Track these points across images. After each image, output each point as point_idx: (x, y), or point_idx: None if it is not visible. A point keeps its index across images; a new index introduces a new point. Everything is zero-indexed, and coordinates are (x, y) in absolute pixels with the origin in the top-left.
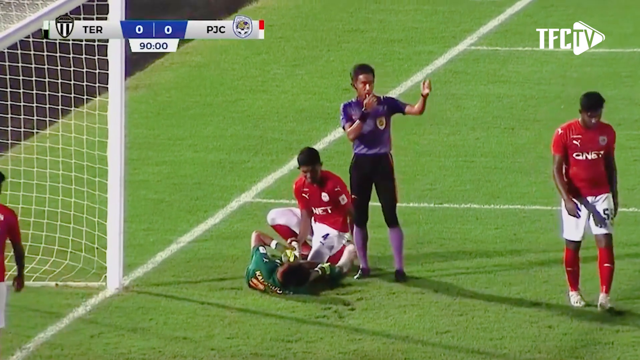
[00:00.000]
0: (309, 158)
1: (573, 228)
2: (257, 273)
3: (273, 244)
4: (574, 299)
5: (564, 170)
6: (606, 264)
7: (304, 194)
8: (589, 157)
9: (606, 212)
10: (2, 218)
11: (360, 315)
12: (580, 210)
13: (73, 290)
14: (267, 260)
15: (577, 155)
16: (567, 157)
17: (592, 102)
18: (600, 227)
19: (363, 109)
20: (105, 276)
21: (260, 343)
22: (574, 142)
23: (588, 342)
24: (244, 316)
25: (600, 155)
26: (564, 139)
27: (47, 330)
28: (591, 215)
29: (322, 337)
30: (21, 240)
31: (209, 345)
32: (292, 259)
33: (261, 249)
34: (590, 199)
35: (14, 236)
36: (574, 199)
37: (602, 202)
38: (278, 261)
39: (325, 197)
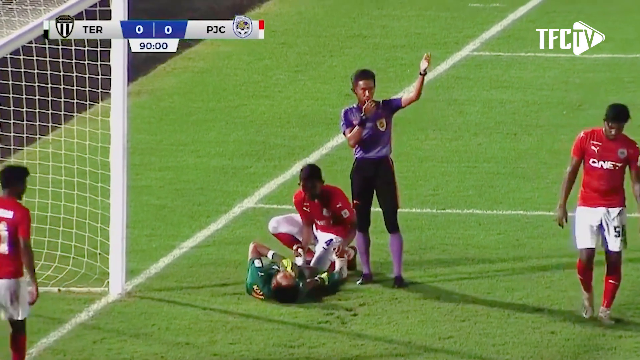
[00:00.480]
0: (309, 174)
1: (586, 236)
2: (255, 287)
3: (270, 254)
4: (584, 295)
5: (582, 178)
6: (611, 280)
7: (304, 208)
8: (605, 166)
9: (617, 229)
10: (11, 216)
11: (362, 321)
12: (566, 223)
13: (75, 295)
14: (262, 273)
15: (593, 162)
16: (584, 162)
17: (614, 114)
18: (610, 244)
19: (362, 115)
20: (108, 282)
21: (262, 349)
22: (592, 147)
23: (590, 347)
24: (247, 322)
25: (617, 167)
26: (584, 143)
27: (50, 335)
28: (603, 228)
29: (324, 343)
30: (27, 238)
31: (211, 350)
32: (289, 268)
33: (256, 262)
34: (602, 209)
35: (19, 230)
36: (566, 210)
37: (614, 219)
38: (275, 267)
39: (326, 212)
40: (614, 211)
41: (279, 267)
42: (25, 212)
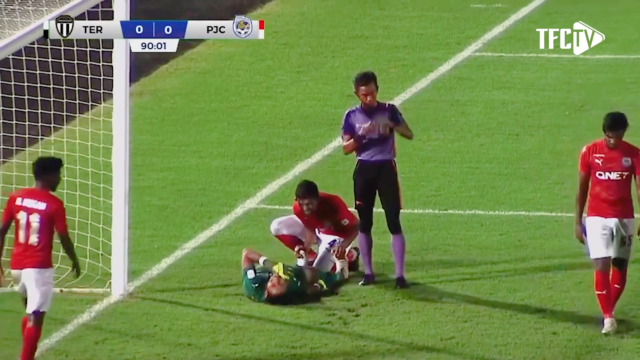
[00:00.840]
0: (308, 192)
1: (599, 245)
2: (252, 298)
3: (261, 260)
4: (606, 325)
5: (590, 189)
6: (616, 285)
7: (305, 217)
8: (611, 177)
9: (624, 239)
10: (44, 207)
11: (364, 322)
12: (586, 237)
13: (77, 296)
14: (256, 284)
15: (600, 174)
16: (591, 176)
17: (609, 123)
18: (617, 252)
19: (359, 132)
20: (110, 282)
21: (264, 349)
22: (596, 160)
23: (592, 348)
24: (249, 322)
25: (624, 177)
26: (587, 157)
27: (52, 336)
28: (613, 236)
29: (326, 344)
30: (65, 230)
31: (213, 351)
32: (280, 273)
33: (249, 274)
34: (613, 220)
35: (56, 226)
36: (583, 224)
37: (623, 229)
38: (267, 274)
39: (326, 222)
40: (624, 222)
41: (270, 273)
42: (59, 204)
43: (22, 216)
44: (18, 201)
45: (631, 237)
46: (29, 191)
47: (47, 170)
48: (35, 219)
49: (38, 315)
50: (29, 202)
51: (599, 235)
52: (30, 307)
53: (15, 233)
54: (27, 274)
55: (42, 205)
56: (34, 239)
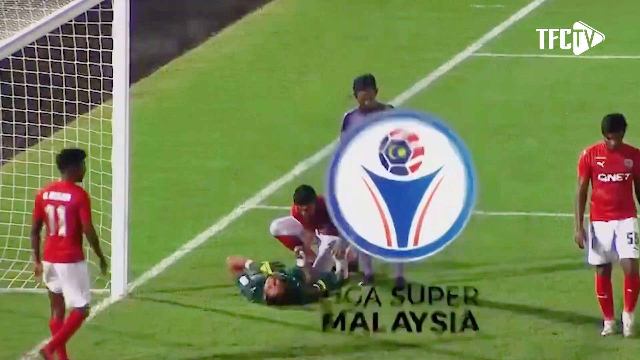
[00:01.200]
0: (306, 198)
1: (598, 252)
2: (252, 301)
3: (247, 264)
4: (607, 327)
5: (590, 192)
6: (629, 289)
7: (304, 220)
8: (614, 179)
9: (630, 235)
10: (68, 199)
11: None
12: (587, 242)
13: None
14: (253, 288)
15: (602, 177)
16: (593, 179)
17: (610, 125)
18: (624, 251)
19: None
20: (110, 283)
21: (264, 349)
22: (598, 163)
23: (592, 348)
24: (249, 323)
25: (626, 178)
26: (588, 160)
27: (51, 337)
28: (615, 240)
29: (326, 344)
30: (89, 221)
31: (213, 351)
32: (269, 271)
33: (242, 280)
34: (615, 222)
35: (80, 217)
36: (584, 228)
37: (626, 227)
38: (259, 275)
39: (326, 225)
40: (626, 221)
41: (263, 275)
42: (83, 195)
43: (49, 210)
44: (44, 196)
45: (637, 235)
46: (54, 184)
47: (71, 161)
48: (61, 211)
49: (81, 308)
50: (55, 195)
51: (597, 242)
52: (73, 303)
53: (47, 227)
54: (59, 269)
55: (67, 197)
56: (62, 231)
